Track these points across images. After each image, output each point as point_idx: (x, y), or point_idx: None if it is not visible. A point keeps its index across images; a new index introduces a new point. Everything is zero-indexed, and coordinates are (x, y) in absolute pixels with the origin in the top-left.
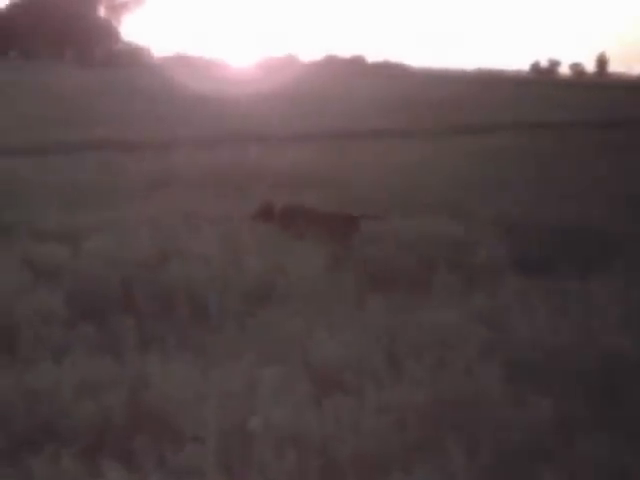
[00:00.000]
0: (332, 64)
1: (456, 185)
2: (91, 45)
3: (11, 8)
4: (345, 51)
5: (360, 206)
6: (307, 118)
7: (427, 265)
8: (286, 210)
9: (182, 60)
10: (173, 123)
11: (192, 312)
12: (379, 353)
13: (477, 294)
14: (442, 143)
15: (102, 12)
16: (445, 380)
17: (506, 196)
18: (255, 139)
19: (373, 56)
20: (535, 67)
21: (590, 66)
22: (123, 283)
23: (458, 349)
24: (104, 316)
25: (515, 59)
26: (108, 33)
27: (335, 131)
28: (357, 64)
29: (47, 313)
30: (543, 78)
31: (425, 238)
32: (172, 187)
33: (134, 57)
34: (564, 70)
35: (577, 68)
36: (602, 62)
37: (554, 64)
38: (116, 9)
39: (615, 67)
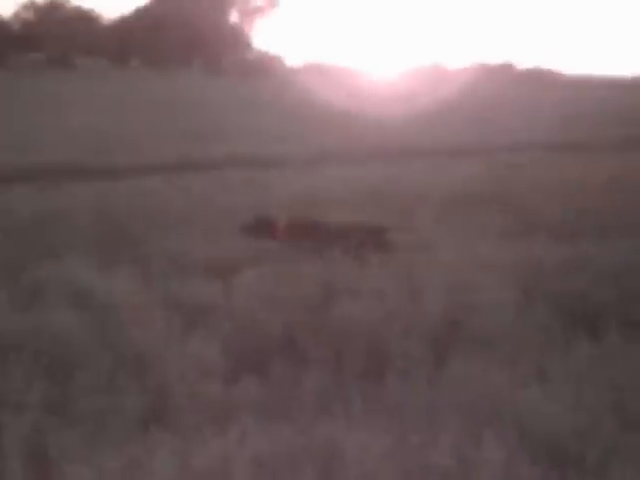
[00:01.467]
0: (480, 72)
1: None
2: (220, 53)
3: (134, 14)
4: (493, 58)
5: (546, 229)
6: (466, 131)
7: (634, 298)
8: (294, 223)
9: (318, 69)
10: (316, 137)
11: (369, 360)
12: (610, 415)
13: None
14: (623, 156)
15: (234, 17)
16: None
17: None
18: (409, 154)
19: (522, 63)
20: None
21: None
22: (285, 326)
23: None
24: (267, 368)
25: None
26: (239, 40)
27: (500, 145)
28: (506, 72)
29: (203, 366)
30: None
31: (624, 265)
32: (325, 209)
33: (266, 66)
34: None
35: None
36: None
37: None
38: (249, 14)
39: None
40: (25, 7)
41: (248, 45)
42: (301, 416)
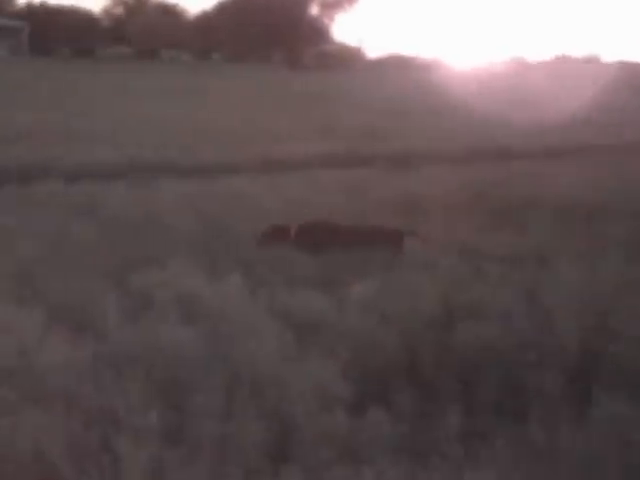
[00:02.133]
0: (564, 65)
1: None
2: (301, 46)
3: (217, 9)
4: (577, 51)
5: None
6: (566, 129)
7: None
8: (306, 227)
9: (398, 61)
10: (408, 133)
11: (503, 392)
12: None
13: None
14: None
15: (314, 10)
16: None
17: None
18: (509, 155)
19: (609, 56)
20: None
21: None
22: (406, 349)
23: None
24: (391, 395)
25: None
26: (320, 33)
27: (607, 145)
28: (591, 65)
29: (324, 390)
30: None
31: None
32: (433, 214)
33: (347, 58)
34: None
35: None
36: None
37: None
38: (330, 7)
39: None
40: (115, 3)
41: (328, 37)
42: (439, 456)
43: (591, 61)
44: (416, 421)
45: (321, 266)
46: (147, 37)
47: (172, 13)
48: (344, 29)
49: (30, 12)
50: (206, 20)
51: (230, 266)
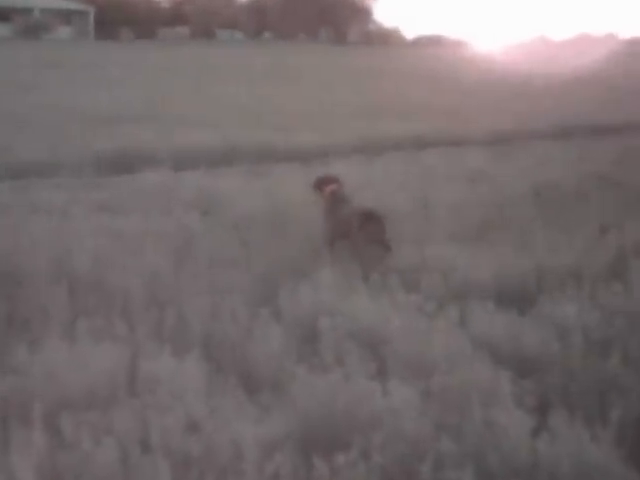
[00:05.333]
0: (584, 44)
1: None
2: (345, 25)
3: None
4: (596, 29)
5: None
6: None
7: None
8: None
9: (431, 41)
10: (488, 114)
11: None
12: None
13: None
14: None
15: None
16: None
17: None
18: (601, 130)
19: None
20: None
21: None
22: None
23: None
24: None
25: None
26: (363, 13)
27: None
28: (610, 42)
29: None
30: None
31: None
32: (575, 205)
33: (387, 37)
34: None
35: None
36: None
37: None
38: None
39: None
40: None
41: (370, 18)
42: None
43: (609, 39)
44: None
45: (494, 275)
46: (204, 18)
47: None
48: (383, 10)
49: None
50: (258, 1)
51: (386, 275)
